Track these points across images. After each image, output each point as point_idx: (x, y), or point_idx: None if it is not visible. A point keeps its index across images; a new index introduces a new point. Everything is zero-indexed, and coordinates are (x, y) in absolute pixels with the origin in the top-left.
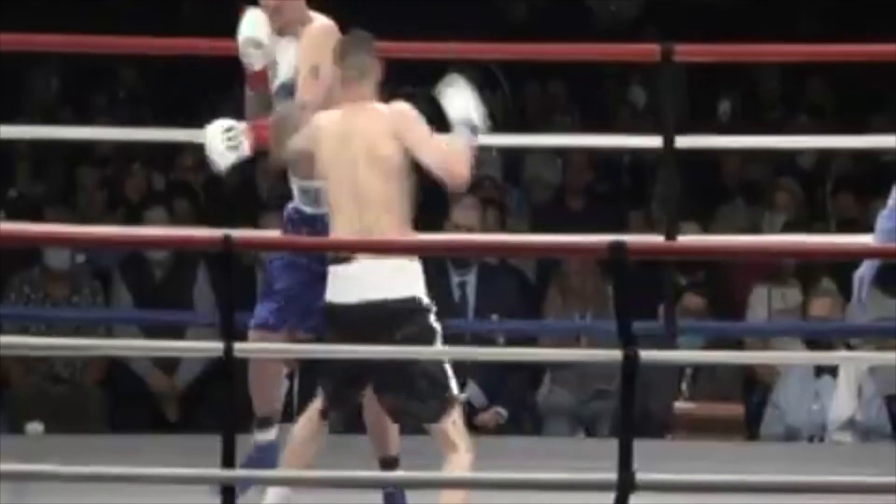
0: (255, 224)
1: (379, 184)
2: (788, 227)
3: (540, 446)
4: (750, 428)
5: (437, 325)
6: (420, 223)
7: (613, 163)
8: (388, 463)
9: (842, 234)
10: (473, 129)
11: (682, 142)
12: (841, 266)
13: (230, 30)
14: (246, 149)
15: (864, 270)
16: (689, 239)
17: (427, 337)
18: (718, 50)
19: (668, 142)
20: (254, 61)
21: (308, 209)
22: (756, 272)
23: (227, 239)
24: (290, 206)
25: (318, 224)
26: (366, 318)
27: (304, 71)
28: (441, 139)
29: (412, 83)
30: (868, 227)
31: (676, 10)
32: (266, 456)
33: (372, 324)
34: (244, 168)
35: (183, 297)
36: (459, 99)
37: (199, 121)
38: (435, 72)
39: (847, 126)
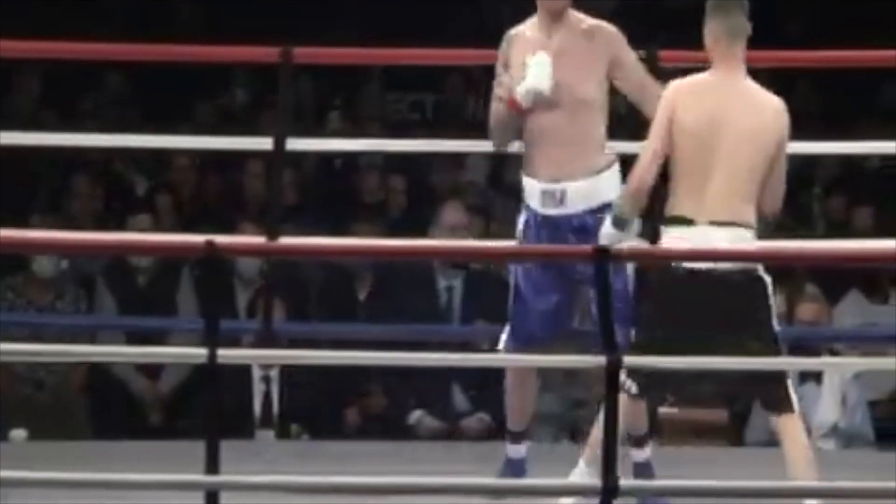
0: (234, 230)
1: (755, 168)
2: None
3: None
4: (734, 433)
5: (773, 304)
6: (407, 225)
7: None
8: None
9: (830, 240)
10: None
11: None
12: (825, 271)
13: (226, 33)
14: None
15: None
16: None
17: (763, 314)
18: (701, 56)
19: None
20: (525, 104)
21: (551, 211)
22: None
23: (210, 245)
24: (526, 209)
25: (562, 227)
26: (707, 285)
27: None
28: None
29: (409, 88)
30: (855, 233)
31: (648, 12)
32: (518, 472)
33: (711, 291)
34: (228, 173)
35: (167, 302)
36: None
37: (186, 125)
38: (424, 78)
39: (833, 131)
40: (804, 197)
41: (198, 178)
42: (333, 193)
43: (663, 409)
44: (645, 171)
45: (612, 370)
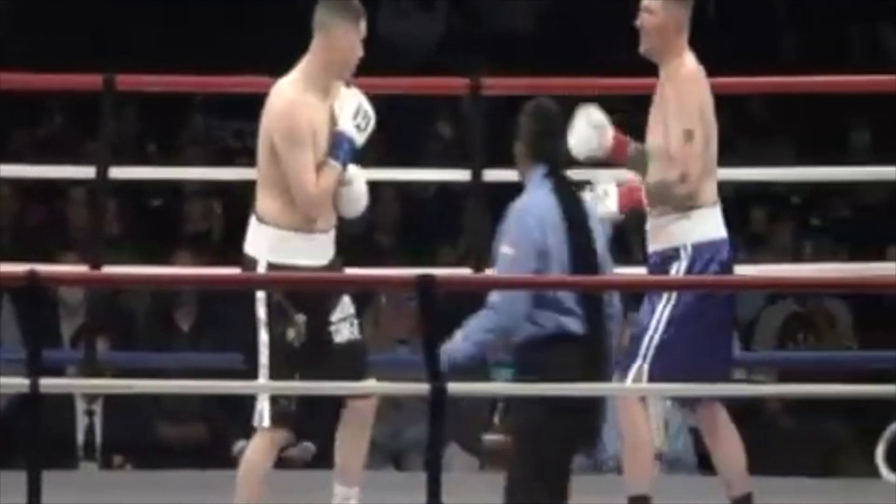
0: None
1: (263, 164)
2: None
3: None
4: None
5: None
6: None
7: (418, 197)
8: None
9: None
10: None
11: (490, 175)
12: None
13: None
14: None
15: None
16: None
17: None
18: (526, 84)
19: (476, 175)
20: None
21: None
22: None
23: (32, 274)
24: None
25: None
26: None
27: (676, 132)
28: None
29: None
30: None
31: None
32: None
33: None
34: (53, 202)
35: None
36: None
37: (2, 154)
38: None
39: None
40: None
41: (19, 207)
42: (156, 222)
43: (489, 436)
44: None
45: (437, 397)
